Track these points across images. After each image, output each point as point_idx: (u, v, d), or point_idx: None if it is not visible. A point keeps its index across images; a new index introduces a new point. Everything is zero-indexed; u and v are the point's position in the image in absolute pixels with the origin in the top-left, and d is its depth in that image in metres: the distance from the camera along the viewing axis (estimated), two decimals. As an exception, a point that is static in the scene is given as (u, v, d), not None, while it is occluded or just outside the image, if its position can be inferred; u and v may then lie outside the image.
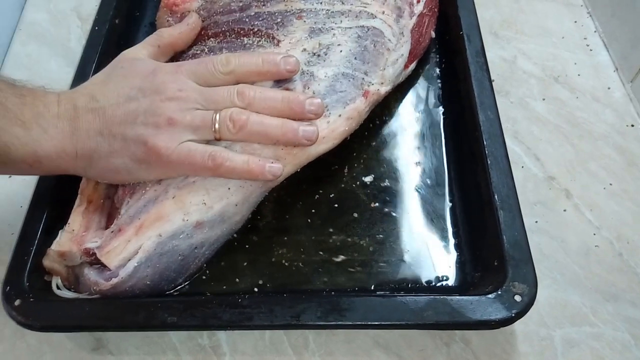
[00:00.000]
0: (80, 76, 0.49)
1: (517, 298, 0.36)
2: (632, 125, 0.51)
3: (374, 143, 0.49)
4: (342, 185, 0.46)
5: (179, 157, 0.38)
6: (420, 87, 0.52)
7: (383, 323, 0.36)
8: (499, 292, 0.37)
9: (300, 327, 0.36)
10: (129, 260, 0.38)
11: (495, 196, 0.41)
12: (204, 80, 0.40)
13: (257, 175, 0.39)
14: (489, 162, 0.42)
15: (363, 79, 0.44)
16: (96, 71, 0.43)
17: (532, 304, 0.36)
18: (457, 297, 0.37)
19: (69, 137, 0.38)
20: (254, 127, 0.39)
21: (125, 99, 0.38)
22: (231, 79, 0.40)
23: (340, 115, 0.43)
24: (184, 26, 0.47)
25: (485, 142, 0.43)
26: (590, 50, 0.57)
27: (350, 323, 0.36)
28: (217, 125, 0.38)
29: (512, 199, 0.40)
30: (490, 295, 0.37)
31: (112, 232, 0.39)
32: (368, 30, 0.46)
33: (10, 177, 0.48)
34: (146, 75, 0.39)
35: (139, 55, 0.43)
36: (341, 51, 0.45)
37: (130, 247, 0.38)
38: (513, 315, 0.36)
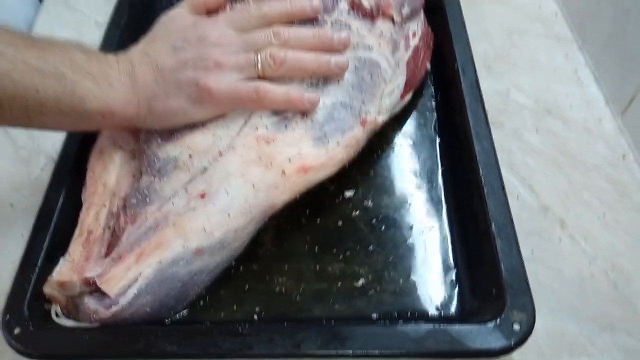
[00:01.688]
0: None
1: (516, 327, 0.37)
2: (624, 157, 0.52)
3: (372, 172, 0.49)
4: (341, 214, 0.47)
5: (228, 93, 0.42)
6: (417, 118, 0.53)
7: (384, 352, 0.36)
8: (498, 321, 0.37)
9: (300, 356, 0.36)
10: (129, 287, 0.38)
11: (493, 225, 0.41)
12: (240, 27, 0.45)
13: (296, 104, 0.44)
14: (485, 192, 0.43)
15: (361, 108, 0.45)
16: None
17: (530, 332, 0.37)
18: (457, 326, 0.37)
19: (131, 88, 0.42)
20: (292, 61, 0.44)
21: (173, 50, 0.43)
22: (264, 23, 0.45)
23: (338, 143, 0.43)
24: None
25: (481, 172, 0.44)
26: (582, 83, 0.58)
27: (351, 352, 0.36)
28: (259, 64, 0.43)
29: (509, 228, 0.41)
30: (489, 324, 0.37)
31: (112, 259, 0.40)
32: (365, 61, 0.47)
33: (12, 205, 0.48)
34: (188, 27, 0.44)
35: (177, 13, 0.46)
36: (339, 81, 0.46)
37: (130, 274, 0.38)
38: (512, 344, 0.36)
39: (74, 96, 0.39)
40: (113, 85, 0.41)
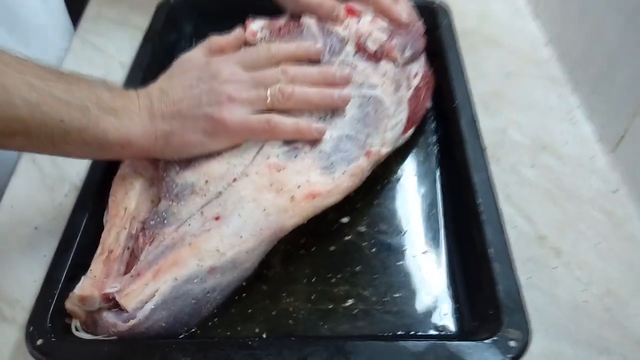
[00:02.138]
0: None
1: (512, 343, 0.39)
2: (616, 191, 0.55)
3: (376, 201, 0.52)
4: (347, 239, 0.49)
5: (241, 125, 0.46)
6: (419, 151, 0.57)
7: (385, 366, 0.38)
8: (495, 338, 0.39)
9: (307, 368, 0.38)
10: (146, 302, 0.41)
11: (490, 249, 0.44)
12: (250, 66, 0.49)
13: (305, 133, 0.47)
14: (483, 219, 0.46)
15: (365, 140, 0.49)
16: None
17: (526, 349, 0.38)
18: (456, 342, 0.39)
19: (150, 123, 0.45)
20: (299, 95, 0.48)
21: (189, 88, 0.47)
22: (272, 63, 0.50)
23: (344, 172, 0.47)
24: (231, 35, 0.54)
25: (479, 201, 0.47)
26: (575, 122, 0.62)
27: (355, 365, 0.38)
28: (269, 98, 0.47)
29: (505, 252, 0.44)
30: (486, 341, 0.39)
31: (131, 276, 0.42)
32: (369, 98, 0.51)
33: (36, 228, 0.51)
34: (202, 66, 0.48)
35: (192, 55, 0.51)
36: (345, 116, 0.49)
37: (147, 290, 0.41)
38: (508, 359, 0.38)
39: (97, 128, 0.43)
40: (133, 119, 0.45)
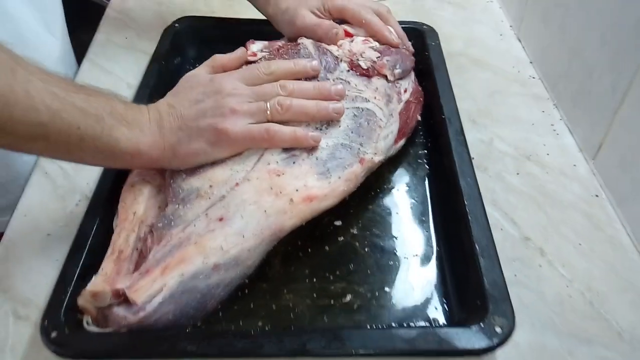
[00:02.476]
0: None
1: (498, 329, 0.41)
2: (597, 196, 0.58)
3: (370, 206, 0.55)
4: (342, 241, 0.52)
5: (243, 134, 0.49)
6: (410, 162, 0.60)
7: (379, 351, 0.41)
8: (482, 325, 0.42)
9: (306, 354, 0.41)
10: (154, 297, 0.43)
11: (476, 246, 0.47)
12: (251, 82, 0.52)
13: (302, 141, 0.50)
14: (469, 219, 0.49)
15: (359, 149, 0.52)
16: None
17: (510, 334, 0.41)
18: (445, 329, 0.42)
19: (158, 134, 0.48)
20: (297, 107, 0.51)
21: (194, 102, 0.50)
22: (272, 79, 0.53)
23: (339, 177, 0.50)
24: (233, 54, 0.58)
25: (466, 203, 0.50)
26: (557, 134, 0.66)
27: (351, 351, 0.41)
28: (269, 110, 0.50)
29: (490, 249, 0.47)
30: (474, 327, 0.41)
31: (140, 273, 0.45)
32: (362, 110, 0.55)
33: (49, 234, 0.54)
34: (206, 83, 0.52)
35: (197, 72, 0.55)
36: (340, 126, 0.53)
37: (156, 285, 0.43)
38: (495, 343, 0.41)
39: (110, 137, 0.46)
40: (143, 130, 0.48)
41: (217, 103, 0.50)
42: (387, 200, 0.56)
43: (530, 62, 0.76)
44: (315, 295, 0.48)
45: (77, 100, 0.45)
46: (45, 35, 0.68)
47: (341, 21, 0.65)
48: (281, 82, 0.53)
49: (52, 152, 0.46)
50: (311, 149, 0.51)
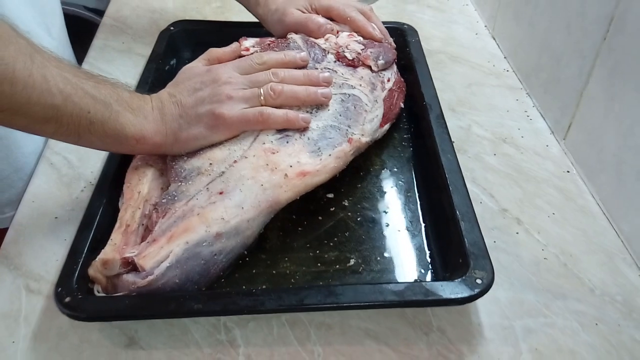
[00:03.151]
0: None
1: (478, 281, 0.45)
2: (568, 172, 0.63)
3: (360, 185, 0.59)
4: (334, 215, 0.56)
5: (238, 118, 0.53)
6: (395, 144, 0.65)
7: (371, 303, 0.44)
8: (464, 278, 0.45)
9: (304, 309, 0.44)
10: (162, 262, 0.46)
11: (457, 212, 0.51)
12: (245, 71, 0.57)
13: (294, 122, 0.55)
14: (450, 189, 0.53)
15: (347, 130, 0.56)
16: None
17: (490, 285, 0.45)
18: (431, 282, 0.46)
19: (161, 121, 0.53)
20: (288, 92, 0.56)
21: (193, 91, 0.54)
22: (264, 68, 0.57)
23: (330, 155, 0.54)
24: (228, 48, 0.63)
25: (447, 176, 0.54)
26: (530, 119, 0.70)
27: (345, 304, 0.44)
28: (262, 95, 0.55)
29: (470, 213, 0.51)
30: (457, 280, 0.45)
31: (147, 242, 0.48)
32: (349, 96, 0.59)
33: (56, 217, 0.57)
34: (203, 73, 0.56)
35: (195, 65, 0.59)
36: (329, 110, 0.57)
37: (162, 252, 0.47)
38: (476, 293, 0.44)
39: (117, 122, 0.50)
40: (147, 118, 0.52)
41: (214, 91, 0.54)
42: (376, 179, 0.60)
43: (504, 57, 0.81)
44: (310, 263, 0.52)
45: (88, 86, 0.49)
46: (45, 37, 0.72)
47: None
48: (273, 70, 0.57)
49: (63, 135, 0.49)
50: (303, 130, 0.55)
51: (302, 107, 0.57)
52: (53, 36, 0.75)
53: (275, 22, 0.70)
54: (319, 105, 0.58)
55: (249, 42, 0.65)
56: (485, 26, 0.89)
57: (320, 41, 0.66)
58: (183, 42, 0.79)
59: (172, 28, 0.78)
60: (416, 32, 0.77)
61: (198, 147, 0.54)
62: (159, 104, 0.54)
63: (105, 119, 0.49)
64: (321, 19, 0.68)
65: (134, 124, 0.51)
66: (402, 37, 0.75)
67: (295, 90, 0.56)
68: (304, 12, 0.69)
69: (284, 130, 0.55)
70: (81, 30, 0.94)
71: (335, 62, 0.63)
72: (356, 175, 0.60)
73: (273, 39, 0.67)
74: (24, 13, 0.68)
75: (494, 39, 0.85)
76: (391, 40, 0.71)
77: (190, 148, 0.54)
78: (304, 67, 0.61)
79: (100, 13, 0.99)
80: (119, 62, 0.79)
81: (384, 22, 0.73)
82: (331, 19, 0.70)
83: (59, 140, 0.50)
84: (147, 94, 0.54)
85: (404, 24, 0.78)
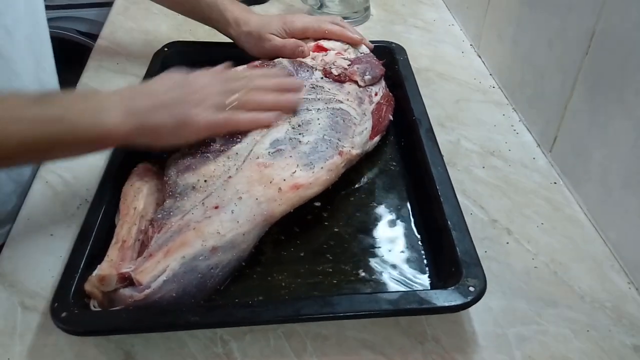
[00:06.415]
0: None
1: (471, 289, 0.46)
2: (555, 183, 0.65)
3: (352, 198, 0.60)
4: (328, 226, 0.57)
5: (207, 122, 0.54)
6: (386, 159, 0.66)
7: (366, 312, 0.45)
8: (457, 286, 0.46)
9: (301, 320, 0.44)
10: (159, 276, 0.47)
11: (449, 222, 0.52)
12: (223, 79, 0.59)
13: (261, 122, 0.57)
14: (442, 200, 0.54)
15: (337, 143, 0.58)
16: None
17: (483, 292, 0.46)
18: (425, 291, 0.46)
19: (123, 115, 0.51)
20: (257, 99, 0.58)
21: (168, 90, 0.55)
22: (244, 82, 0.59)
23: (322, 168, 0.55)
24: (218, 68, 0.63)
25: (438, 187, 0.55)
26: (517, 133, 0.72)
27: (341, 314, 0.45)
28: (234, 101, 0.56)
29: (461, 223, 0.52)
30: (450, 288, 0.46)
31: (144, 257, 0.49)
32: (338, 110, 0.61)
33: (52, 234, 0.57)
34: (181, 77, 0.57)
35: (173, 72, 0.59)
36: (319, 124, 0.59)
37: (159, 266, 0.47)
38: (469, 300, 0.45)
39: (76, 131, 0.49)
40: (110, 113, 0.51)
41: (187, 93, 0.55)
42: (368, 192, 0.61)
43: (490, 74, 0.84)
44: (305, 274, 0.52)
45: (35, 112, 0.48)
46: (39, 75, 0.71)
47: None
48: (249, 77, 0.60)
49: (36, 162, 0.50)
50: (295, 145, 0.56)
51: (292, 122, 0.59)
52: (46, 71, 0.74)
53: (253, 46, 0.72)
54: (290, 113, 0.59)
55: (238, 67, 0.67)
56: (471, 45, 0.91)
57: (308, 60, 0.67)
58: (177, 62, 0.80)
59: (166, 49, 0.79)
60: (404, 50, 0.79)
61: (166, 142, 0.55)
62: (127, 95, 0.54)
63: (60, 136, 0.49)
64: (297, 44, 0.70)
65: (96, 125, 0.50)
66: (391, 55, 0.77)
67: (265, 99, 0.59)
68: (278, 37, 0.71)
69: (277, 144, 0.56)
70: (73, 54, 0.96)
71: (322, 78, 0.65)
72: (348, 187, 0.61)
73: (260, 61, 0.69)
74: (22, 55, 0.68)
75: (480, 56, 0.88)
76: (370, 45, 0.74)
77: (158, 141, 0.54)
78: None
79: (93, 37, 1.00)
80: (113, 82, 0.80)
81: (372, 42, 0.75)
82: (309, 38, 0.72)
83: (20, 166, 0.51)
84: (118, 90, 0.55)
85: (392, 42, 0.80)
